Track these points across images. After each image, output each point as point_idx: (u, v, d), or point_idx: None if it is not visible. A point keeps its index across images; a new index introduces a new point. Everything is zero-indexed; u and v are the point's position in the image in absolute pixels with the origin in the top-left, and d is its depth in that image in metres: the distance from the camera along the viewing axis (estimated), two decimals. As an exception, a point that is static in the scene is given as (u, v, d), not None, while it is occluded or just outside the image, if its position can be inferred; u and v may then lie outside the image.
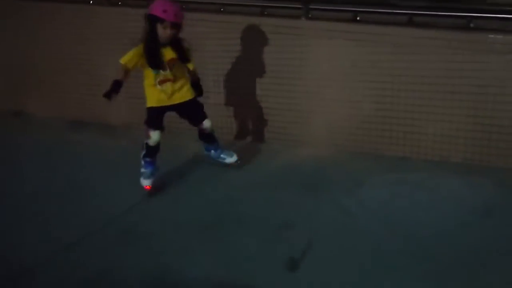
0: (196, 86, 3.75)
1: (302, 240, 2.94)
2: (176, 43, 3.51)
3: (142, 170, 3.69)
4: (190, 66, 3.66)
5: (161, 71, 3.49)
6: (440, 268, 2.63)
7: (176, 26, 3.39)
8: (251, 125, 4.69)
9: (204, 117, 3.80)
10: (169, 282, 2.64)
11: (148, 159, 3.68)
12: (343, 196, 3.46)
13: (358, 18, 4.24)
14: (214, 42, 4.59)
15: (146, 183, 3.68)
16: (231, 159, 3.97)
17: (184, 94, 3.67)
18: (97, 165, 4.27)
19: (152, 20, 3.37)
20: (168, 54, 3.50)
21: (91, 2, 5.36)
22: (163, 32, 3.38)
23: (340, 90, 4.23)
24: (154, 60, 3.44)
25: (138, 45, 3.45)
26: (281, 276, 2.63)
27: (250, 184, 3.72)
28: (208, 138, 3.90)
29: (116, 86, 3.33)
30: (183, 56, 3.56)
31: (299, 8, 4.29)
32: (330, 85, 4.26)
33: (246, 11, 4.59)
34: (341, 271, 2.66)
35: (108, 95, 3.29)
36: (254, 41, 4.41)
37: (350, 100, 4.22)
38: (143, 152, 3.68)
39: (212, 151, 3.98)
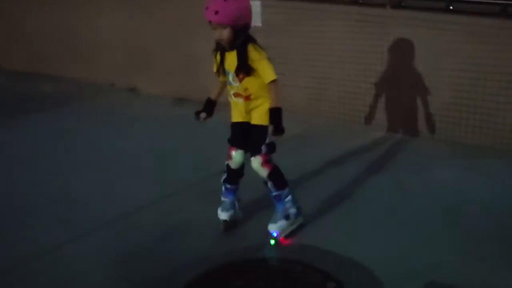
0: (270, 111, 2.78)
1: (357, 211, 3.26)
2: (240, 48, 2.75)
3: (222, 198, 3.10)
4: (265, 79, 2.74)
5: (232, 82, 2.84)
6: (484, 246, 2.82)
7: (221, 26, 2.65)
8: (332, 107, 4.97)
9: (255, 153, 2.86)
10: (239, 232, 3.08)
11: (228, 186, 3.06)
12: (408, 176, 3.70)
13: (451, 8, 4.33)
14: (302, 29, 4.94)
15: (223, 216, 3.06)
16: (271, 225, 2.96)
17: (257, 116, 2.87)
18: (191, 135, 4.81)
19: None
20: (231, 61, 2.79)
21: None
22: (213, 34, 2.74)
23: (419, 77, 4.38)
24: (215, 66, 2.93)
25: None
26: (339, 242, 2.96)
27: (322, 159, 4.05)
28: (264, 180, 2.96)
29: (206, 105, 3.04)
30: (243, 65, 2.74)
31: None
32: (410, 71, 4.42)
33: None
34: (388, 240, 2.94)
35: (197, 114, 3.06)
36: (341, 27, 4.70)
37: (429, 87, 4.36)
38: (223, 177, 3.07)
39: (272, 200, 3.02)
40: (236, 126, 2.95)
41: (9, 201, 3.61)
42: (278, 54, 5.11)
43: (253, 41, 2.79)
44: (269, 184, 2.91)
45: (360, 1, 4.64)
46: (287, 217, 2.96)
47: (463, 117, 4.27)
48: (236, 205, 3.10)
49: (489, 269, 2.63)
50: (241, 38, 2.72)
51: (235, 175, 3.01)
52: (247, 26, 2.75)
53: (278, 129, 2.73)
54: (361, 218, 3.19)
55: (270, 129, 2.74)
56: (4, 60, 9.45)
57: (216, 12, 2.60)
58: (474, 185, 3.53)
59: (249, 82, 2.78)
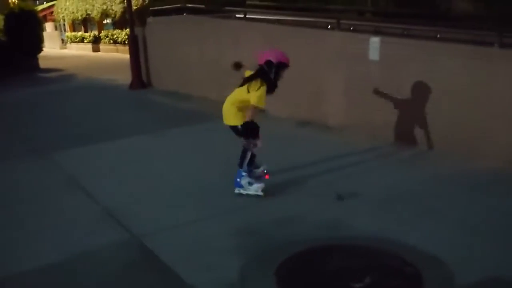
0: None
1: (447, 219, 3.76)
2: None
3: (252, 178, 4.44)
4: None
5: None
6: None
7: None
8: (438, 135, 5.43)
9: None
10: (335, 225, 3.75)
11: (251, 168, 4.49)
12: (498, 198, 4.11)
13: None
14: (416, 64, 5.53)
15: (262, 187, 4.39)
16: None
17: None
18: (312, 151, 5.62)
19: (281, 66, 4.39)
20: None
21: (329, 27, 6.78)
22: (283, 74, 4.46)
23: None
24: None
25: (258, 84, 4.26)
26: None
27: (423, 179, 4.59)
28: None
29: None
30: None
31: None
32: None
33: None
34: (476, 248, 3.36)
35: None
36: (448, 62, 5.23)
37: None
38: (245, 162, 4.45)
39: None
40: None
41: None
42: (392, 85, 5.77)
43: None
44: None
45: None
46: None
47: None
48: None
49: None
50: None
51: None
52: None
53: None
54: (447, 226, 3.67)
55: None
56: (157, 82, 11.16)
57: None
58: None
59: None
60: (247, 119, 4.32)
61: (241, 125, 4.37)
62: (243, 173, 4.42)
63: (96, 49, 25.84)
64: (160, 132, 6.91)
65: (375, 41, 5.95)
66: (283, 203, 4.23)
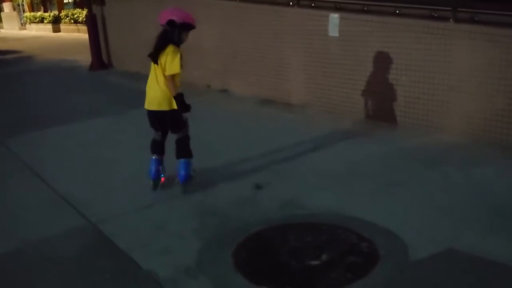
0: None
1: (405, 194, 3.81)
2: None
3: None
4: None
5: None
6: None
7: None
8: (397, 110, 5.48)
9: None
10: (294, 203, 3.76)
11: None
12: (455, 171, 4.16)
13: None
14: (375, 39, 5.53)
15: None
16: None
17: None
18: (273, 129, 5.60)
19: (187, 27, 3.84)
20: None
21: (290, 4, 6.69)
22: (186, 37, 3.93)
23: (477, 85, 4.79)
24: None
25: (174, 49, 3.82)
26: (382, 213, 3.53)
27: (381, 154, 4.63)
28: None
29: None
30: None
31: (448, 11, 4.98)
32: (469, 80, 4.84)
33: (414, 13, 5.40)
34: (421, 217, 3.44)
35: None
36: (406, 38, 5.24)
37: (485, 94, 4.75)
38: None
39: None
40: None
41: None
42: (352, 61, 5.77)
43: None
44: None
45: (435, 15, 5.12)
46: None
47: (516, 123, 4.61)
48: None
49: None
50: None
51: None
52: None
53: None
54: (404, 200, 3.72)
55: None
56: (118, 63, 10.91)
57: None
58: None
59: None
60: (173, 94, 3.81)
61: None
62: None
63: (56, 30, 25.08)
64: (118, 115, 6.77)
65: (334, 17, 5.92)
66: (242, 183, 4.19)
